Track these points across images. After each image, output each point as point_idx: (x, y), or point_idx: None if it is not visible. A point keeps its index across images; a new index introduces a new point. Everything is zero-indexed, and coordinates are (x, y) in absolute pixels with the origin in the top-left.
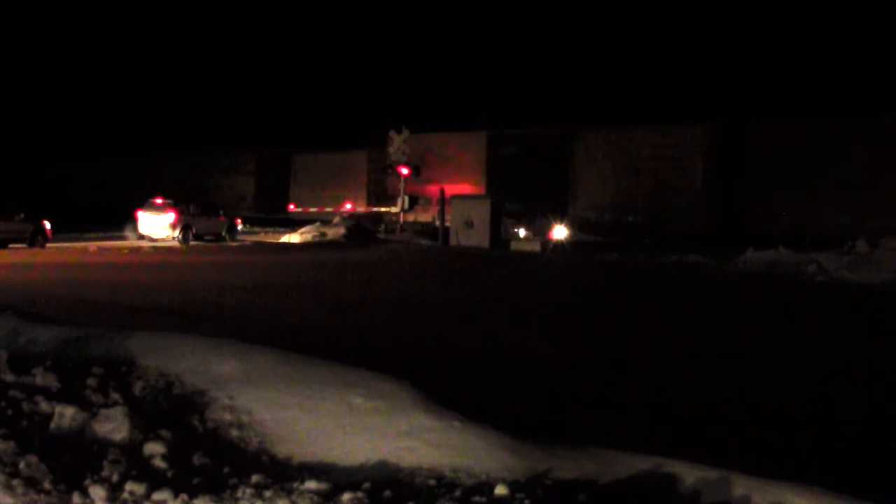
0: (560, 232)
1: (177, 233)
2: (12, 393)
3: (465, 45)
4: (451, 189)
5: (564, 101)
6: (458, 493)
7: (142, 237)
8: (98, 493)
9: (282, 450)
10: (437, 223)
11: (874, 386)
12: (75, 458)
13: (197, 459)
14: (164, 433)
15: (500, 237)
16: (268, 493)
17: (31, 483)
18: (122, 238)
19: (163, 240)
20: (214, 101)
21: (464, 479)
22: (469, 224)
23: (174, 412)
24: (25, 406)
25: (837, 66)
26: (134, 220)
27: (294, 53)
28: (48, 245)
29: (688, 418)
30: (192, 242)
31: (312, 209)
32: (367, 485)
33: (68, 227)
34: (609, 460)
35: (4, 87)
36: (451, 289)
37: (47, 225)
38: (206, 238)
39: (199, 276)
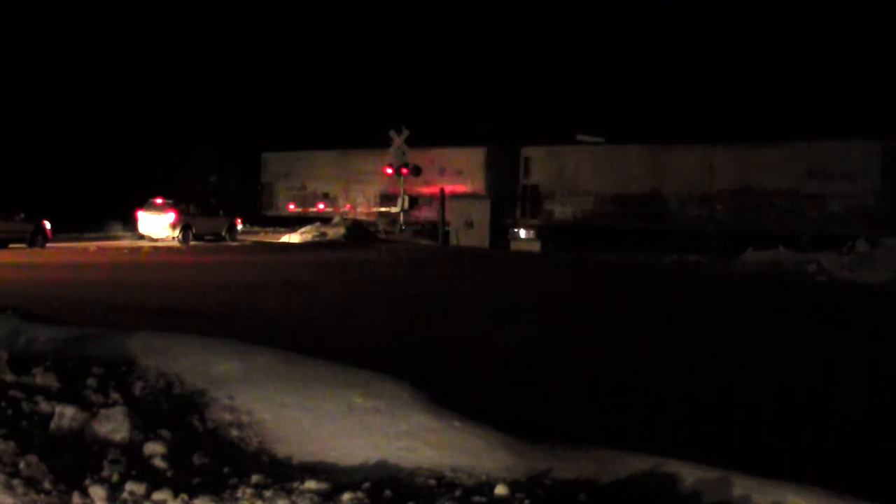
0: None
1: (177, 233)
2: (12, 393)
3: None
4: None
5: None
6: (458, 493)
7: (142, 237)
8: (98, 493)
9: (282, 450)
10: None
11: (875, 386)
12: (75, 458)
13: (197, 459)
14: (164, 433)
15: (499, 237)
16: (268, 493)
17: (31, 483)
18: (123, 238)
19: (163, 240)
20: (215, 102)
21: (464, 479)
22: (469, 224)
23: (174, 412)
24: (25, 406)
25: None
26: (134, 220)
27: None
28: (48, 245)
29: (689, 419)
30: (192, 242)
31: (312, 210)
32: (367, 485)
33: (68, 227)
34: (609, 460)
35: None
36: (451, 288)
37: (47, 225)
38: (206, 238)
39: (199, 275)
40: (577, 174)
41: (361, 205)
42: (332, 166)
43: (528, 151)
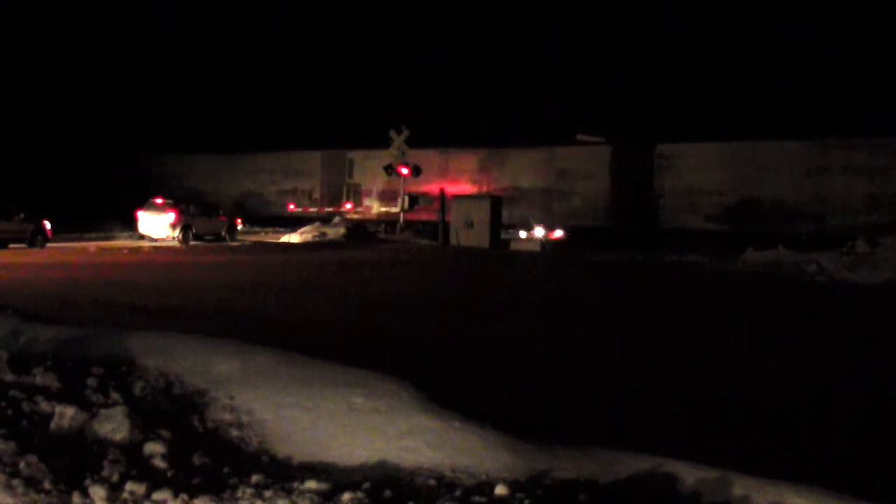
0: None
1: (177, 233)
2: (12, 393)
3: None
4: None
5: None
6: (458, 493)
7: (142, 237)
8: (98, 493)
9: (282, 450)
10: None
11: (874, 386)
12: (75, 458)
13: (197, 459)
14: (164, 433)
15: (500, 237)
16: (268, 493)
17: (31, 483)
18: (123, 238)
19: (163, 240)
20: (215, 103)
21: (464, 479)
22: (469, 224)
23: (174, 412)
24: (25, 406)
25: None
26: (134, 220)
27: (302, 55)
28: (48, 245)
29: (688, 419)
30: (192, 242)
31: (312, 209)
32: (367, 485)
33: (68, 227)
34: (609, 460)
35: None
36: (452, 288)
37: (47, 225)
38: (206, 238)
39: (200, 275)
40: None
41: (226, 203)
42: (209, 169)
43: (351, 155)
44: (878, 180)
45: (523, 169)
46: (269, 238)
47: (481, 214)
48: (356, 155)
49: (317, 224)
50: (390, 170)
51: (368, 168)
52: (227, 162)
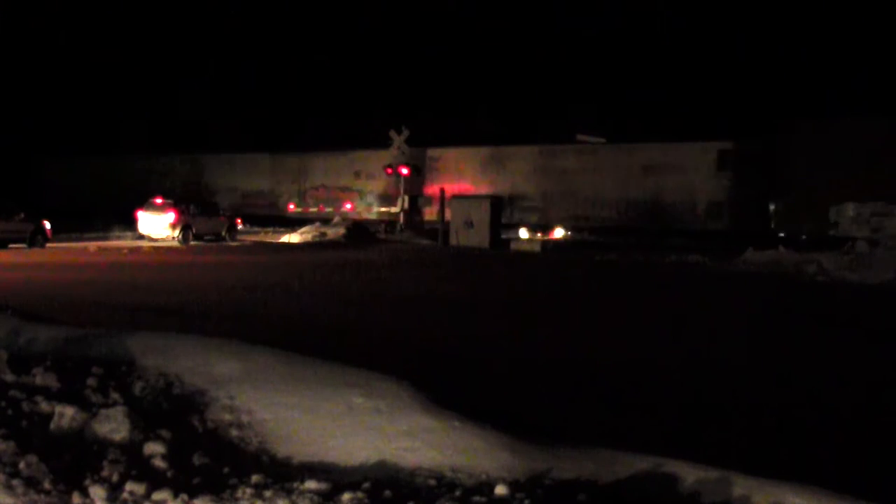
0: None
1: (177, 233)
2: (12, 393)
3: None
4: None
5: None
6: (458, 493)
7: (142, 237)
8: (98, 493)
9: (282, 450)
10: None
11: (874, 386)
12: (75, 458)
13: (197, 459)
14: (164, 433)
15: (500, 237)
16: (268, 493)
17: (31, 483)
18: (122, 238)
19: (163, 240)
20: (214, 102)
21: (464, 479)
22: (469, 224)
23: (174, 412)
24: (25, 406)
25: None
26: (134, 220)
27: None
28: (48, 245)
29: (687, 420)
30: (192, 242)
31: (313, 209)
32: (367, 485)
33: (68, 227)
34: (609, 460)
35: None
36: (452, 288)
37: (47, 225)
38: (206, 238)
39: (199, 275)
40: (231, 174)
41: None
42: (96, 171)
43: (203, 159)
44: (577, 179)
45: (330, 169)
46: (270, 238)
47: (481, 214)
48: (207, 159)
49: (317, 224)
50: (391, 170)
51: (218, 168)
52: (116, 164)
